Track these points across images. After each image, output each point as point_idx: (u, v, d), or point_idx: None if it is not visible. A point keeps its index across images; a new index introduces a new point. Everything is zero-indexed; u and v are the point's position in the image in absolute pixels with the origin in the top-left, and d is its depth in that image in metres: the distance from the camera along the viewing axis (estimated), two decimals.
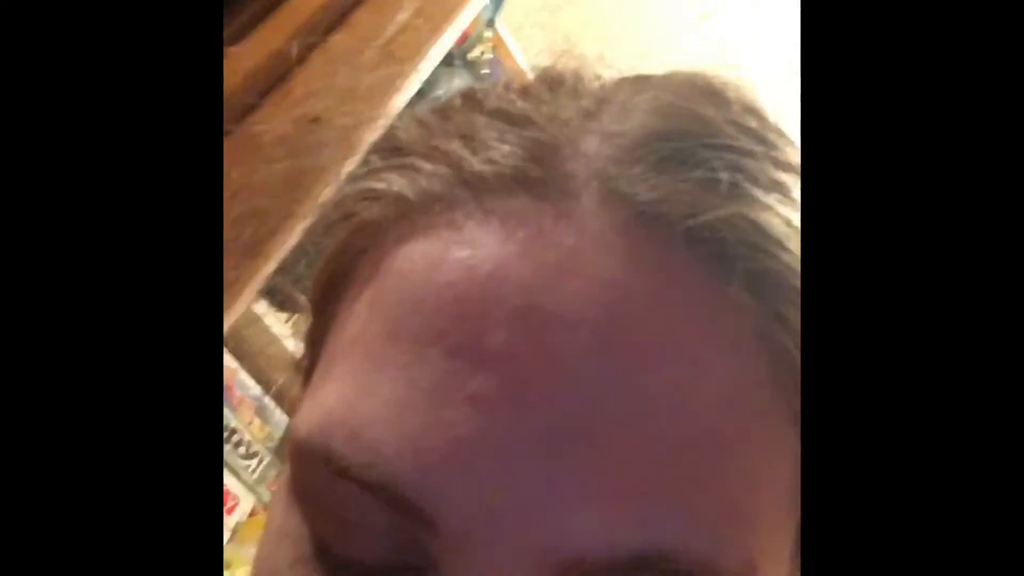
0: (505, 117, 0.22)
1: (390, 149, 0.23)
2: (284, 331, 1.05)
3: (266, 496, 1.02)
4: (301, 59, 0.47)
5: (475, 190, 0.21)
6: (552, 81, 0.24)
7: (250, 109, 0.45)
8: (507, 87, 0.24)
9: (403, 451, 0.18)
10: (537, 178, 0.20)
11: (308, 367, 0.24)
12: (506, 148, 0.21)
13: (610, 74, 0.24)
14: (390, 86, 0.52)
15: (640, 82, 0.23)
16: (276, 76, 0.46)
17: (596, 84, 0.24)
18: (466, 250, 0.20)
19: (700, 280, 0.20)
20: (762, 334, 0.20)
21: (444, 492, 0.18)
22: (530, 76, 0.25)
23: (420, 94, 0.57)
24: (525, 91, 0.23)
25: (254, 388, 1.05)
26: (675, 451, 0.18)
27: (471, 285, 0.19)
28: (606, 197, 0.20)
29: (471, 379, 0.19)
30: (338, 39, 0.48)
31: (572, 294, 0.19)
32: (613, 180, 0.20)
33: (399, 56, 0.52)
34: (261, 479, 1.03)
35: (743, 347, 0.19)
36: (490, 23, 1.11)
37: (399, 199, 0.22)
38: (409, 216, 0.21)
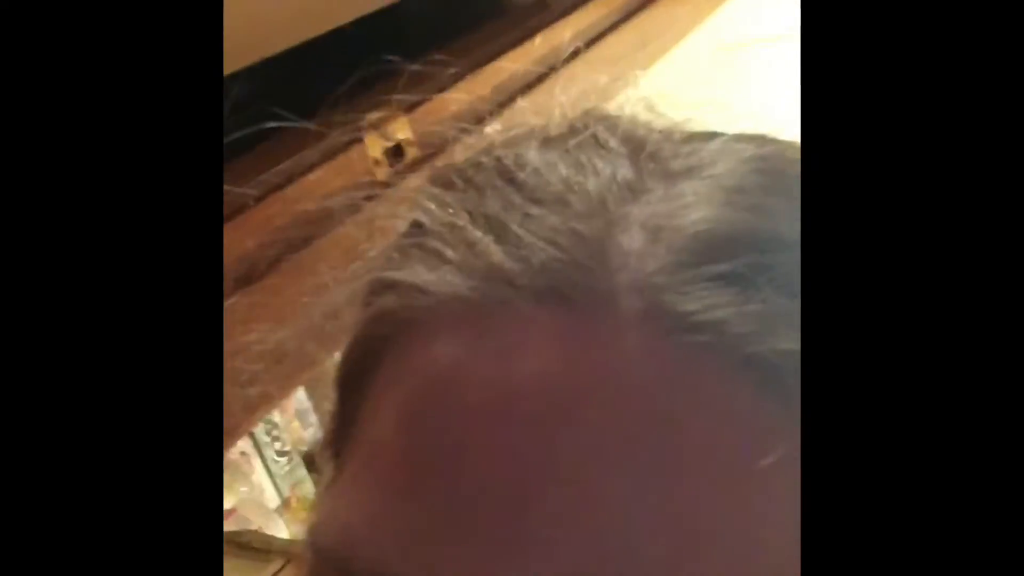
0: (539, 193, 0.20)
1: (415, 230, 0.22)
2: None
3: (287, 492, 1.11)
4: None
5: (505, 291, 0.19)
6: (591, 136, 0.21)
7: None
8: (537, 143, 0.22)
9: None
10: (573, 285, 0.18)
11: (336, 447, 0.23)
12: (539, 244, 0.19)
13: (657, 123, 0.22)
14: None
15: (690, 153, 0.21)
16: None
17: (636, 144, 0.21)
18: (497, 364, 0.18)
19: (766, 417, 0.18)
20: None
21: None
22: (568, 126, 0.22)
23: None
24: (564, 150, 0.21)
25: (302, 395, 1.15)
26: None
27: (499, 414, 0.18)
28: (649, 311, 0.18)
29: (499, 518, 0.17)
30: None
31: (613, 422, 0.17)
32: (659, 292, 0.18)
33: None
34: (286, 477, 1.13)
35: (796, 488, 0.17)
36: None
37: (423, 293, 0.20)
38: (436, 311, 0.20)
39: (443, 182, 0.22)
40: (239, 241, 0.45)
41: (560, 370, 0.18)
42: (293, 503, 1.12)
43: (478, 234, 0.20)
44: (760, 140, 0.21)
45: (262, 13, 0.57)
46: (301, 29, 0.59)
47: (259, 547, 0.56)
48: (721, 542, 0.17)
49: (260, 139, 0.48)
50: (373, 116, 0.48)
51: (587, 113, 0.23)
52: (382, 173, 0.47)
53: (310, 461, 1.20)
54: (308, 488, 1.17)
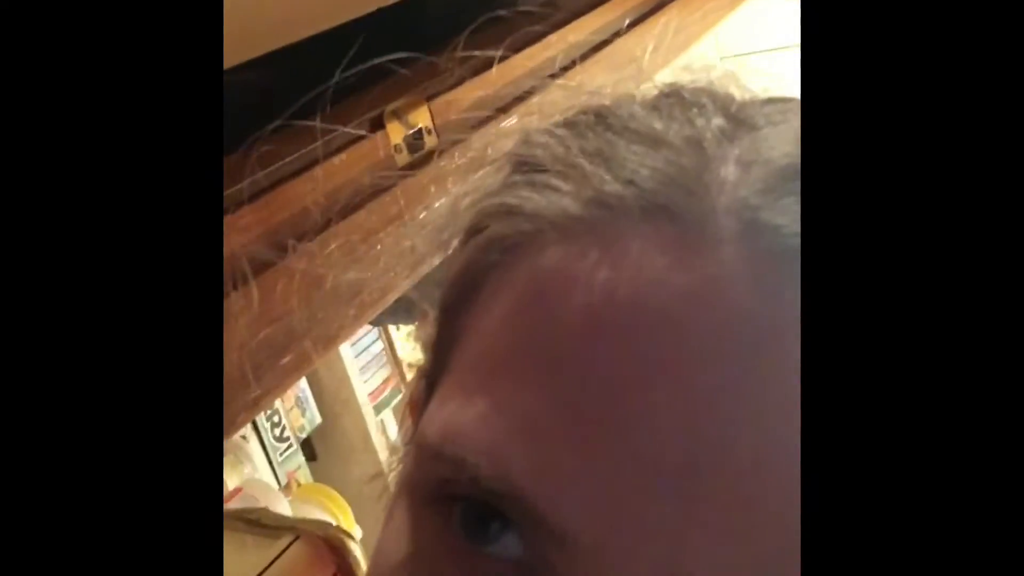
0: (639, 137, 0.22)
1: (525, 164, 0.23)
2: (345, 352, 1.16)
3: (284, 480, 1.13)
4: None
5: (613, 212, 0.20)
6: (681, 98, 0.23)
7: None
8: (637, 102, 0.24)
9: (533, 470, 0.19)
10: (679, 205, 0.20)
11: (432, 376, 0.25)
12: (643, 171, 0.21)
13: (742, 94, 0.24)
14: None
15: (776, 105, 0.23)
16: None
17: (728, 102, 0.23)
18: (604, 273, 0.19)
19: None
20: None
21: (573, 513, 0.18)
22: (656, 92, 0.24)
23: None
24: (656, 107, 0.23)
25: (302, 383, 1.16)
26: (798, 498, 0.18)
27: (608, 310, 0.19)
28: (746, 230, 0.19)
29: (606, 406, 0.19)
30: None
31: (712, 324, 0.19)
32: (752, 211, 0.20)
33: None
34: (283, 464, 1.14)
35: None
36: None
37: (535, 216, 0.21)
38: (545, 234, 0.21)
39: (555, 131, 0.24)
40: (267, 218, 0.47)
41: (663, 276, 0.19)
42: (293, 487, 1.14)
43: (587, 164, 0.22)
44: None
45: (287, 2, 0.58)
46: (324, 17, 0.60)
47: (269, 524, 0.58)
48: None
49: (282, 126, 0.49)
50: (394, 104, 0.49)
51: (674, 83, 0.25)
52: (402, 160, 0.49)
53: (307, 448, 1.21)
54: (304, 476, 1.19)
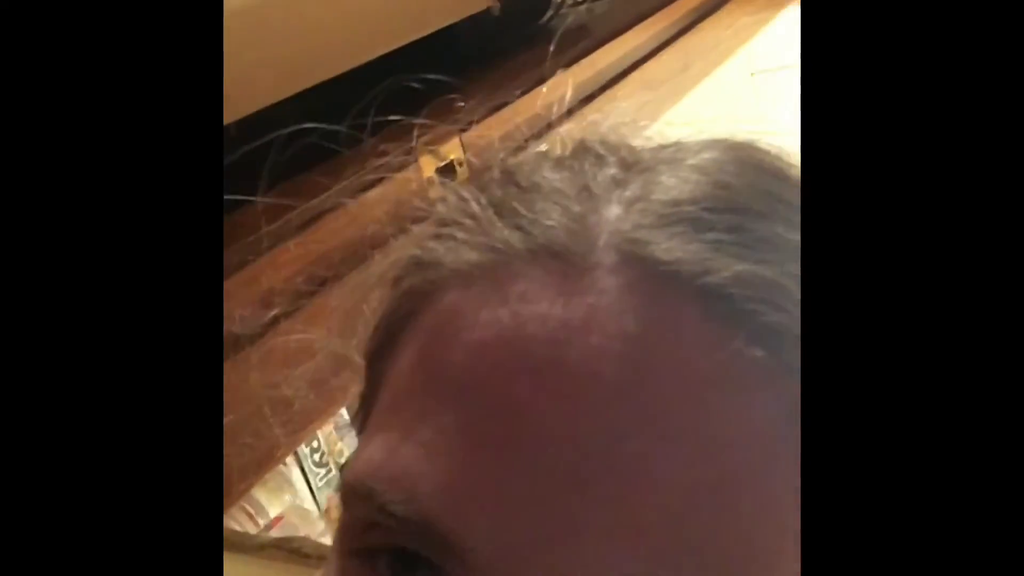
0: (536, 189, 0.24)
1: (433, 221, 0.26)
2: None
3: (324, 505, 1.13)
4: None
5: (505, 256, 0.23)
6: (583, 150, 0.26)
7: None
8: (541, 159, 0.26)
9: (436, 491, 0.20)
10: (563, 245, 0.22)
11: (360, 426, 0.27)
12: (536, 218, 0.23)
13: (642, 142, 0.26)
14: None
15: (669, 152, 0.25)
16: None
17: (626, 153, 0.25)
18: (495, 311, 0.22)
19: (711, 334, 0.21)
20: (772, 382, 0.21)
21: (473, 526, 0.20)
22: (564, 148, 0.27)
23: None
24: (558, 163, 0.25)
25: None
26: (690, 491, 0.20)
27: (498, 343, 0.21)
28: (624, 261, 0.22)
29: (497, 424, 0.20)
30: None
31: (590, 349, 0.21)
32: (631, 244, 0.22)
33: None
34: (323, 489, 1.14)
35: (754, 394, 0.21)
36: None
37: (438, 266, 0.24)
38: (447, 280, 0.23)
39: (460, 190, 0.26)
40: (303, 256, 0.47)
41: (546, 309, 0.21)
42: (332, 512, 1.14)
43: (484, 214, 0.24)
44: (734, 141, 0.26)
45: (318, 39, 0.59)
46: (356, 53, 0.61)
47: (310, 553, 0.58)
48: (690, 439, 0.20)
49: (318, 160, 0.49)
50: (426, 137, 0.50)
51: (581, 140, 0.27)
52: (435, 192, 0.49)
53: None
54: None
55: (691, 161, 0.24)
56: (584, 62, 0.74)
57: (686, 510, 0.20)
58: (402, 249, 0.27)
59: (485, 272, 0.23)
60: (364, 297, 0.28)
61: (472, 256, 0.23)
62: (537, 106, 0.68)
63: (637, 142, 0.27)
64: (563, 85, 0.74)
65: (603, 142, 0.26)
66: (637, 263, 0.22)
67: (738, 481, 0.21)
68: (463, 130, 0.49)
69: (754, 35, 1.02)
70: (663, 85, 0.81)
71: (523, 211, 0.23)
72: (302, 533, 0.81)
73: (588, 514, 0.20)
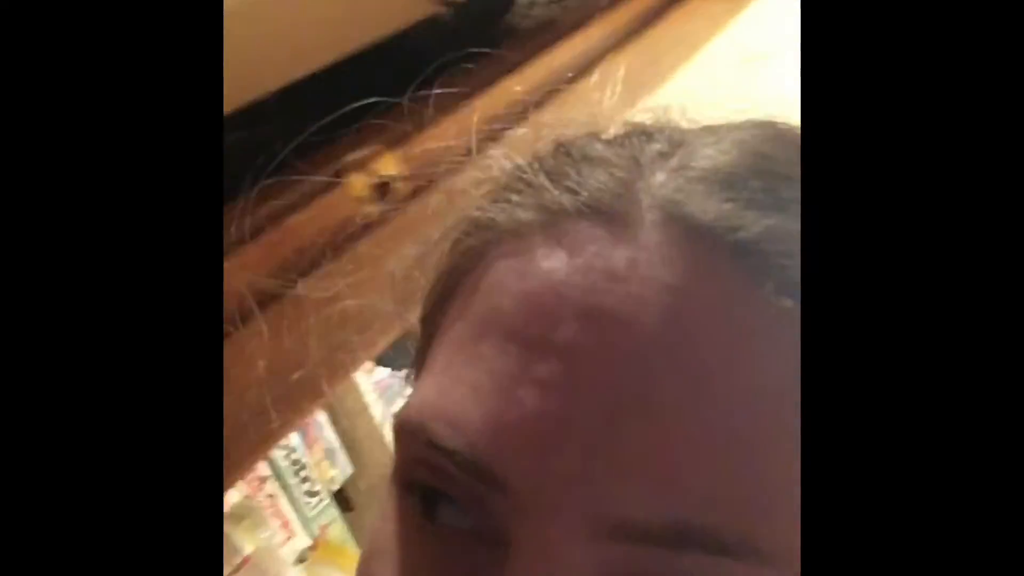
0: (587, 160, 0.26)
1: (492, 188, 0.28)
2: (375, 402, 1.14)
3: (317, 533, 1.10)
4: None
5: (556, 216, 0.24)
6: (634, 130, 0.28)
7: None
8: (592, 137, 0.27)
9: (483, 426, 0.22)
10: (608, 206, 0.24)
11: (415, 377, 0.29)
12: (584, 183, 0.25)
13: (690, 125, 0.28)
14: None
15: (713, 129, 0.27)
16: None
17: (674, 132, 0.27)
18: (543, 264, 0.23)
19: (743, 285, 0.22)
20: (798, 332, 0.21)
21: (515, 460, 0.21)
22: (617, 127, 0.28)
23: None
24: (609, 140, 0.27)
25: (330, 435, 1.13)
26: (722, 435, 0.21)
27: (545, 291, 0.23)
28: (665, 219, 0.23)
29: (541, 366, 0.22)
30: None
31: (629, 296, 0.22)
32: (673, 205, 0.23)
33: None
34: (316, 518, 1.11)
35: (783, 343, 0.22)
36: None
37: (494, 226, 0.26)
38: (503, 240, 0.25)
39: (517, 161, 0.28)
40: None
41: (594, 260, 0.23)
42: (320, 545, 1.10)
43: (537, 179, 0.26)
44: (776, 121, 0.27)
45: (252, 55, 0.56)
46: (293, 68, 0.58)
47: None
48: (722, 385, 0.22)
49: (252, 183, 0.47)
50: (356, 154, 0.47)
51: (631, 122, 0.29)
52: (370, 210, 0.46)
53: (342, 500, 1.18)
54: (338, 530, 1.16)
55: (733, 136, 0.26)
56: (555, 53, 0.70)
57: (717, 454, 0.21)
58: (458, 215, 0.28)
59: (535, 229, 0.25)
60: (420, 263, 0.30)
61: (525, 216, 0.25)
62: (502, 105, 0.65)
63: (684, 124, 0.28)
64: (522, 85, 0.71)
65: (654, 122, 0.28)
66: (677, 221, 0.23)
67: (767, 427, 0.21)
68: (399, 143, 0.47)
69: (729, 22, 0.98)
70: (632, 79, 0.77)
71: (574, 175, 0.25)
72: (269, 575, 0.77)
73: (623, 455, 0.21)
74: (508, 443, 0.22)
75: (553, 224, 0.24)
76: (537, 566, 0.21)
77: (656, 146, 0.26)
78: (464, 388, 0.23)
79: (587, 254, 0.23)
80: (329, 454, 1.14)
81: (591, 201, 0.24)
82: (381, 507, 0.26)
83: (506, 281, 0.24)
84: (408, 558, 0.24)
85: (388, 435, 1.17)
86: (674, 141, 0.26)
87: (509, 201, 0.26)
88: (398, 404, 1.21)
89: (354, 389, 1.12)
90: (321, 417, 1.12)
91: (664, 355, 0.22)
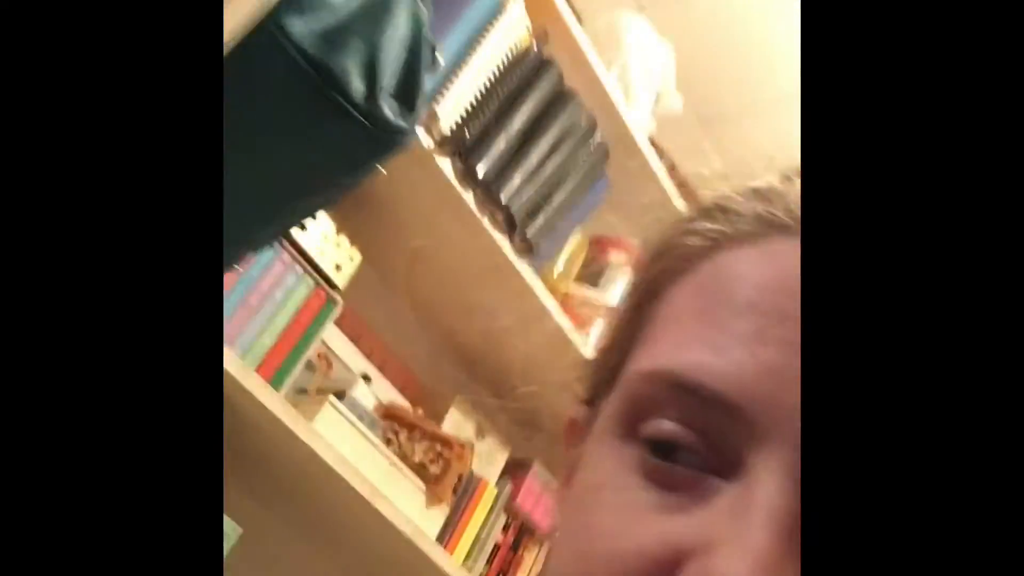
0: (775, 197, 0.33)
1: (697, 211, 0.35)
2: None
3: None
4: None
5: (772, 227, 0.32)
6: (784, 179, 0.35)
7: None
8: (776, 183, 0.35)
9: (732, 374, 0.28)
10: (790, 225, 0.32)
11: (605, 377, 0.35)
12: (770, 210, 0.32)
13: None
14: None
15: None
16: None
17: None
18: (772, 259, 0.31)
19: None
20: None
21: (760, 399, 0.28)
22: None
23: None
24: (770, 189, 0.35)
25: None
26: None
27: (775, 278, 0.30)
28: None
29: (775, 330, 0.29)
30: None
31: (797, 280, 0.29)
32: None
33: None
34: None
35: None
36: None
37: (713, 233, 0.33)
38: (720, 244, 0.33)
39: (718, 192, 0.36)
40: None
41: (792, 266, 0.29)
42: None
43: (752, 204, 0.33)
44: None
45: None
46: None
47: None
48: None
49: None
50: None
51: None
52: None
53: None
54: None
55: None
56: None
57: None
58: (670, 229, 0.36)
59: (748, 238, 0.32)
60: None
61: (736, 227, 0.33)
62: None
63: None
64: None
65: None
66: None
67: None
68: None
69: None
70: None
71: (766, 203, 0.33)
72: None
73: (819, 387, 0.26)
74: (754, 387, 0.28)
75: (763, 236, 0.32)
76: (772, 481, 0.27)
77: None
78: (705, 345, 0.30)
79: (788, 261, 0.30)
80: None
81: (780, 221, 0.32)
82: (592, 463, 0.32)
83: (737, 274, 0.31)
84: (635, 500, 0.29)
85: None
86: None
87: (725, 214, 0.34)
88: None
89: None
90: None
91: (787, 344, 0.29)
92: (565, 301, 1.43)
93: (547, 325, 1.31)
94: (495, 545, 1.32)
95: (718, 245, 0.33)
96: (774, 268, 0.31)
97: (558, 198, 1.28)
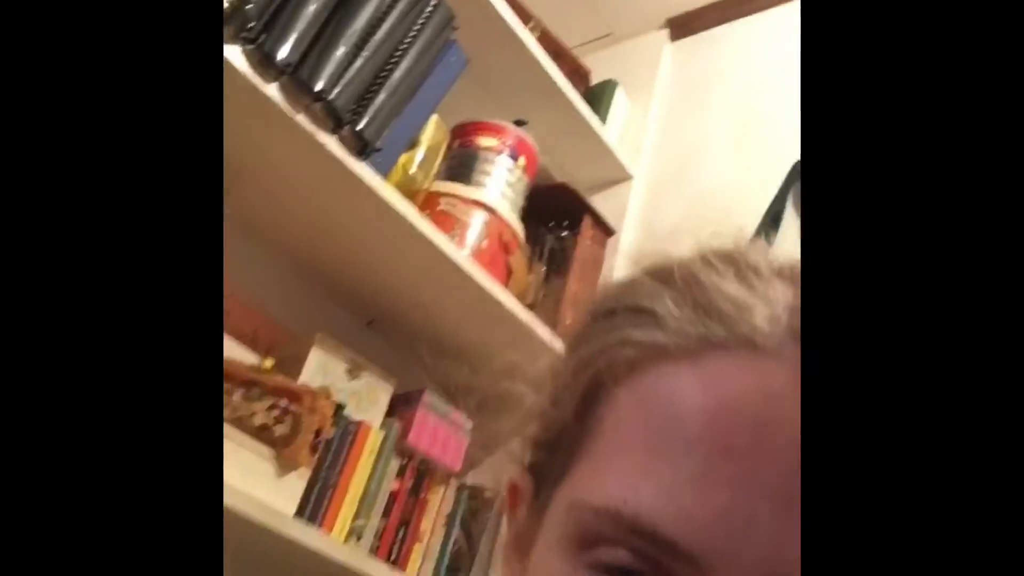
0: (716, 288, 0.33)
1: (631, 309, 0.35)
2: None
3: None
4: None
5: (708, 343, 0.32)
6: (732, 263, 0.34)
7: None
8: (704, 262, 0.35)
9: (684, 520, 0.29)
10: (747, 334, 0.32)
11: (548, 467, 0.36)
12: (735, 311, 0.32)
13: (763, 257, 0.35)
14: None
15: (786, 271, 0.35)
16: None
17: (763, 267, 0.35)
18: (713, 385, 0.31)
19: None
20: None
21: (712, 546, 0.29)
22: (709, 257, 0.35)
23: None
24: (715, 269, 0.34)
25: None
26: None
27: (719, 408, 0.31)
28: (791, 341, 0.31)
29: (725, 468, 0.29)
30: None
31: (784, 412, 0.30)
32: (793, 330, 0.32)
33: None
34: None
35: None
36: None
37: (651, 345, 0.33)
38: (659, 356, 0.32)
39: (650, 284, 0.36)
40: None
41: (755, 382, 0.31)
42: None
43: (677, 306, 0.34)
44: None
45: None
46: None
47: None
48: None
49: None
50: None
51: (724, 249, 0.37)
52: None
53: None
54: None
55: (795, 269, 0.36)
56: None
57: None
58: (598, 334, 0.36)
59: (694, 353, 0.32)
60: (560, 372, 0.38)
61: (680, 340, 0.33)
62: None
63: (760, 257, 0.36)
64: None
65: (744, 257, 0.35)
66: (794, 342, 0.32)
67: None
68: None
69: None
70: None
71: (723, 304, 0.33)
72: None
73: (786, 529, 0.29)
74: (703, 531, 0.29)
75: (709, 350, 0.32)
76: None
77: (758, 279, 0.34)
78: (657, 483, 0.30)
79: (748, 375, 0.31)
80: None
81: (739, 328, 0.32)
82: (550, 562, 0.33)
83: (681, 395, 0.31)
84: None
85: None
86: (779, 272, 0.35)
87: (658, 324, 0.33)
88: None
89: None
90: None
91: (795, 451, 0.29)
92: (429, 201, 1.23)
93: (405, 230, 1.11)
94: (391, 494, 1.15)
95: (656, 357, 0.33)
96: (717, 396, 0.31)
97: (393, 80, 1.06)
